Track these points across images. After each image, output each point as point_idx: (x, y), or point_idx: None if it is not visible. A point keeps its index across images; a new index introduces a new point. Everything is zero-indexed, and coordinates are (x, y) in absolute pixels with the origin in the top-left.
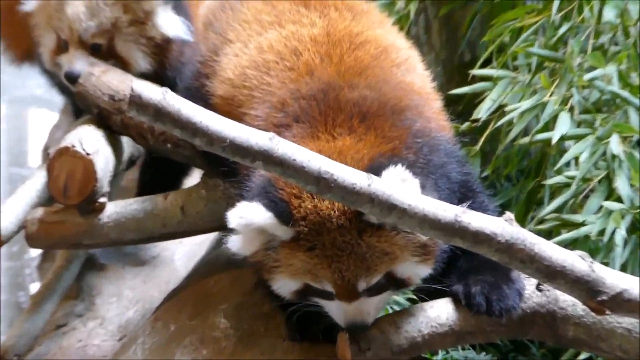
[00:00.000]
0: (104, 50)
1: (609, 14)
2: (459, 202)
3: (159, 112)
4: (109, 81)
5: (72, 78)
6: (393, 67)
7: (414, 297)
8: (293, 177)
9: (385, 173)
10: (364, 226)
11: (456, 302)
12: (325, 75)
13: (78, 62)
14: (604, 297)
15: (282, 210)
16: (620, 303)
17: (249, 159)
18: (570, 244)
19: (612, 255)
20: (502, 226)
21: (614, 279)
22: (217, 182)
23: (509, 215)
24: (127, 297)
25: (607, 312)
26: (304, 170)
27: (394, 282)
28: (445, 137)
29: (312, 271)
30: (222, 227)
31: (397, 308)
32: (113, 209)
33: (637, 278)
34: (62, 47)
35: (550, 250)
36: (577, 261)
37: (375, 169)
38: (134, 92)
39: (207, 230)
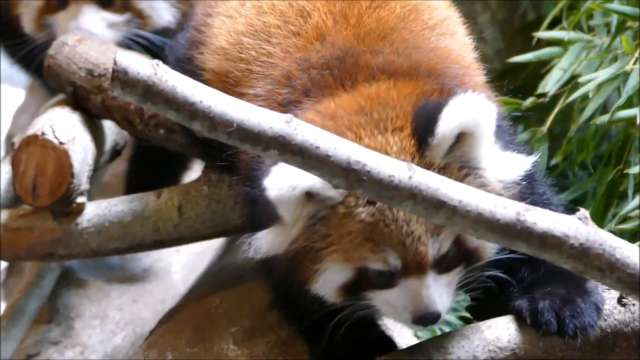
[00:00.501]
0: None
1: None
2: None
3: (149, 90)
4: (87, 52)
5: None
6: (425, 30)
7: (468, 315)
8: (315, 169)
9: (453, 102)
10: (428, 161)
11: (520, 320)
12: (340, 40)
13: (86, 18)
14: None
15: None
16: None
17: (261, 147)
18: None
19: None
20: (576, 226)
21: None
22: (223, 176)
23: (583, 212)
24: (113, 320)
25: None
26: (330, 160)
27: (464, 255)
28: None
29: (373, 236)
30: (228, 232)
31: (446, 329)
32: (94, 211)
33: None
34: (54, 4)
35: (636, 255)
36: None
37: (435, 104)
38: (117, 66)
39: (210, 236)
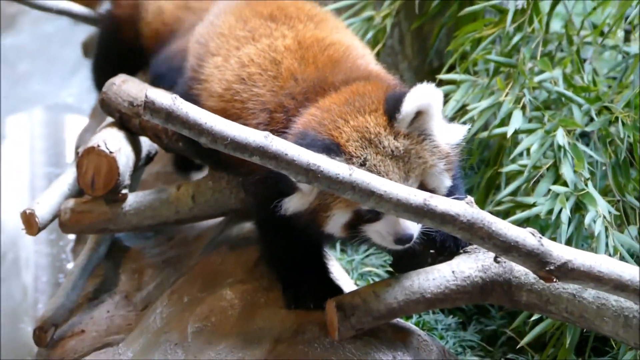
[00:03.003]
0: None
1: (556, 25)
2: None
3: (170, 116)
4: (129, 89)
5: None
6: (358, 59)
7: (391, 270)
8: (285, 169)
9: (413, 89)
10: (396, 131)
11: (427, 273)
12: (307, 74)
13: None
14: (552, 267)
15: (328, 144)
16: (565, 272)
17: (248, 154)
18: (523, 223)
19: (559, 231)
20: (464, 208)
21: (560, 252)
22: (222, 174)
23: (470, 198)
24: (147, 274)
25: (555, 279)
26: (295, 163)
27: None
28: None
29: None
30: (227, 213)
31: (377, 279)
32: (133, 199)
33: (580, 250)
34: None
35: (505, 228)
36: (528, 237)
37: (401, 93)
38: (147, 99)
39: (214, 215)
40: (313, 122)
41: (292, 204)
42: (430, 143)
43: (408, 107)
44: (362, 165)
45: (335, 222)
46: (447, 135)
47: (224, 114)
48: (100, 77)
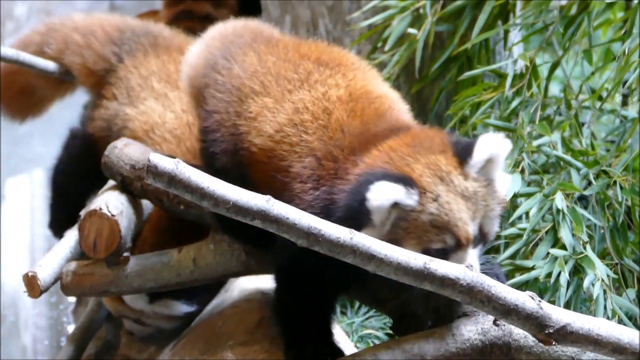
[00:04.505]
0: None
1: (554, 89)
2: None
3: (172, 180)
4: (130, 153)
5: None
6: (402, 115)
7: (392, 332)
8: (286, 233)
9: (488, 137)
10: (466, 173)
11: (426, 336)
12: (353, 127)
13: None
14: (551, 330)
15: (403, 177)
16: (564, 335)
17: (249, 218)
18: (523, 286)
19: (558, 294)
20: (464, 272)
21: (559, 315)
22: (224, 237)
23: (469, 262)
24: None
25: (553, 343)
26: (296, 226)
27: (482, 237)
28: None
29: (437, 224)
30: (228, 276)
31: (377, 342)
32: (135, 262)
33: (578, 313)
34: None
35: (505, 291)
36: (527, 300)
37: (469, 140)
38: (150, 163)
39: (216, 278)
40: (379, 161)
41: None
42: (493, 188)
43: (481, 153)
44: (435, 200)
45: None
46: (502, 184)
47: (271, 153)
48: (66, 209)
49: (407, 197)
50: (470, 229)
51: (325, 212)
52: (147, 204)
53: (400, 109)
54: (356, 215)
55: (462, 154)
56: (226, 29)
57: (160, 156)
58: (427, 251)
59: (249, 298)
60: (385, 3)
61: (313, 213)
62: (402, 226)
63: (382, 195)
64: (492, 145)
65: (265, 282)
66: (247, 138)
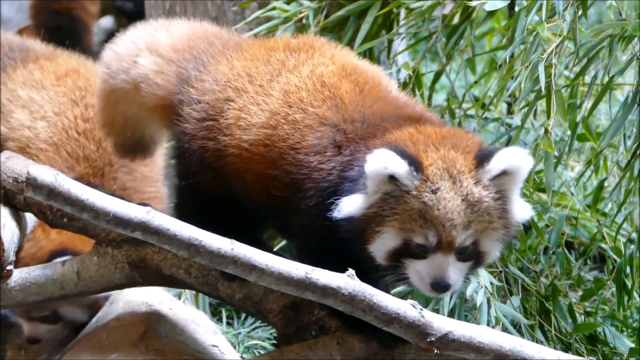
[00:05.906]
0: None
1: (439, 98)
2: None
3: (52, 192)
4: (13, 166)
5: None
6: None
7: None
8: (167, 244)
9: (512, 148)
10: (479, 178)
11: (309, 345)
12: (369, 99)
13: None
14: (432, 339)
15: (413, 159)
16: (446, 343)
17: (130, 230)
18: (408, 294)
19: (442, 303)
20: (346, 281)
21: (440, 323)
22: (107, 250)
23: (351, 272)
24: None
25: (435, 350)
26: (177, 238)
27: (476, 254)
28: None
29: (425, 215)
30: (112, 288)
31: (263, 352)
32: (18, 275)
33: (461, 321)
34: None
35: (387, 300)
36: (409, 309)
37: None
38: (30, 175)
39: (100, 291)
40: (408, 139)
41: (349, 204)
42: (502, 206)
43: (499, 162)
44: (433, 193)
45: (382, 243)
46: (517, 209)
47: (268, 140)
48: None
49: (406, 175)
50: (459, 235)
51: (341, 178)
52: (30, 217)
53: (395, 86)
54: (358, 178)
55: (482, 158)
56: (194, 34)
57: (39, 168)
58: (407, 243)
59: (134, 310)
60: (269, 14)
61: (327, 182)
62: (392, 204)
63: (381, 162)
64: (513, 157)
65: (150, 294)
66: (232, 143)
